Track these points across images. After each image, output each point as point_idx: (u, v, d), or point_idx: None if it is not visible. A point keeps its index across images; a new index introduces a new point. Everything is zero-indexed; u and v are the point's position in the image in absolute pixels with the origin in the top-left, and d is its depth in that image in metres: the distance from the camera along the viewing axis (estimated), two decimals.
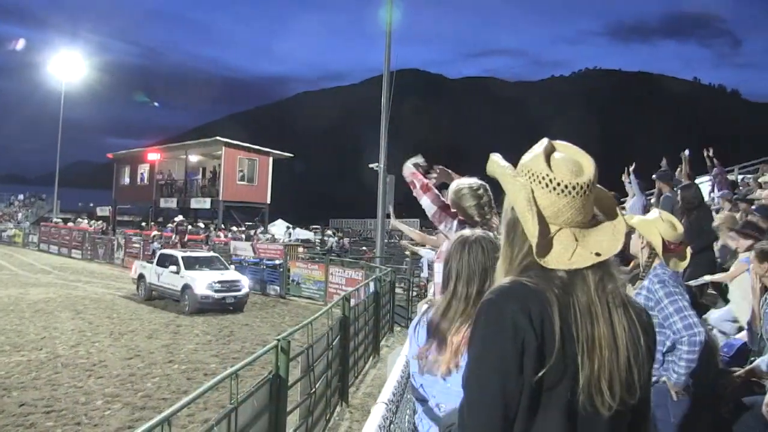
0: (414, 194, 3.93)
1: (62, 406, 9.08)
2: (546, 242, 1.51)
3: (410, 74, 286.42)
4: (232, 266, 21.51)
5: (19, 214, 51.89)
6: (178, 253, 19.76)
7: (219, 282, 18.02)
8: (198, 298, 17.51)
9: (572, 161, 1.56)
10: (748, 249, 6.33)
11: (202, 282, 17.76)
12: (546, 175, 1.52)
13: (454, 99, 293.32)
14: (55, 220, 44.62)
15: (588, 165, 1.56)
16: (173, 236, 29.10)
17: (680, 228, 3.91)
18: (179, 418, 8.02)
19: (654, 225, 3.90)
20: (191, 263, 19.02)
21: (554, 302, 1.44)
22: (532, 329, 1.40)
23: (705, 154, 13.67)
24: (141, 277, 20.28)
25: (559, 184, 1.50)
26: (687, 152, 11.07)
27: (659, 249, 3.83)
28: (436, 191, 3.83)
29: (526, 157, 1.59)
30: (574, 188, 1.50)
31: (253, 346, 13.34)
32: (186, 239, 29.18)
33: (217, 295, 17.71)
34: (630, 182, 10.86)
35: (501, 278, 1.56)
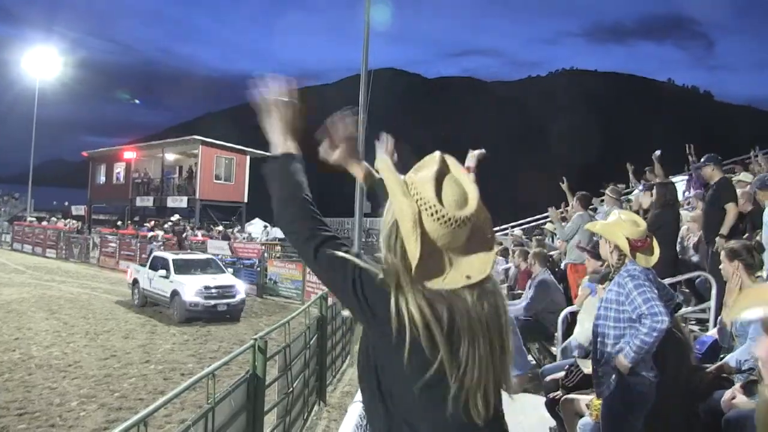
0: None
1: (36, 408, 8.97)
2: (424, 264, 1.60)
3: (388, 73, 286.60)
4: (230, 269, 20.06)
5: None
6: (169, 256, 18.36)
7: (209, 288, 16.38)
8: (186, 305, 15.94)
9: (459, 192, 1.65)
10: (593, 272, 6.47)
11: (191, 287, 16.16)
12: (433, 206, 1.60)
13: (432, 98, 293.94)
14: (29, 219, 44.02)
15: (473, 197, 1.66)
16: (172, 237, 27.80)
17: (643, 224, 3.99)
18: (156, 419, 7.97)
19: (617, 227, 3.98)
20: (182, 267, 17.47)
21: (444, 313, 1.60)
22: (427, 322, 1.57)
23: (687, 151, 13.81)
24: (135, 282, 18.80)
25: (443, 216, 1.60)
26: (658, 153, 11.22)
27: (627, 250, 3.90)
28: None
29: (418, 176, 1.68)
30: (456, 221, 1.61)
31: (230, 345, 13.28)
32: (186, 240, 27.95)
33: (207, 302, 16.09)
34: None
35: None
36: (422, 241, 1.60)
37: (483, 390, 1.59)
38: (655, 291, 3.81)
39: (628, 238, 3.88)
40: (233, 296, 16.76)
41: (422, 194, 1.62)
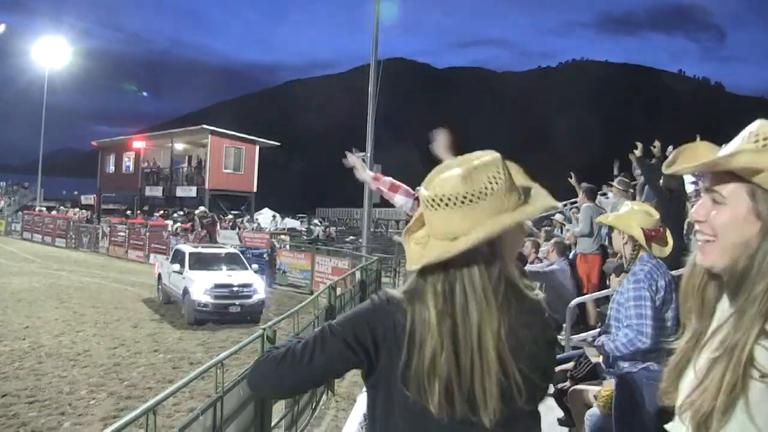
0: (386, 198, 3.93)
1: (46, 396, 9.03)
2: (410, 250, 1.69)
3: (396, 63, 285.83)
4: (255, 265, 18.27)
5: (2, 202, 51.34)
6: (187, 248, 16.94)
7: (221, 286, 14.83)
8: (195, 305, 14.42)
9: (444, 178, 1.62)
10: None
11: (200, 285, 14.62)
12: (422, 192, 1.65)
13: (441, 89, 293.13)
14: (38, 208, 44.24)
15: (454, 183, 1.58)
16: (199, 229, 25.24)
17: (656, 214, 3.96)
18: (165, 407, 8.01)
19: (630, 218, 3.93)
20: (199, 261, 16.00)
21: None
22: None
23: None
24: (160, 277, 17.68)
25: (430, 200, 1.61)
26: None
27: (642, 240, 3.86)
28: (404, 186, 3.81)
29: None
30: (433, 201, 1.60)
31: (239, 334, 13.32)
32: (217, 233, 25.64)
33: (217, 302, 14.53)
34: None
35: None
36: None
37: (444, 387, 1.58)
38: (652, 307, 3.78)
39: (642, 228, 3.85)
40: (249, 296, 15.07)
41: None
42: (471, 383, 1.55)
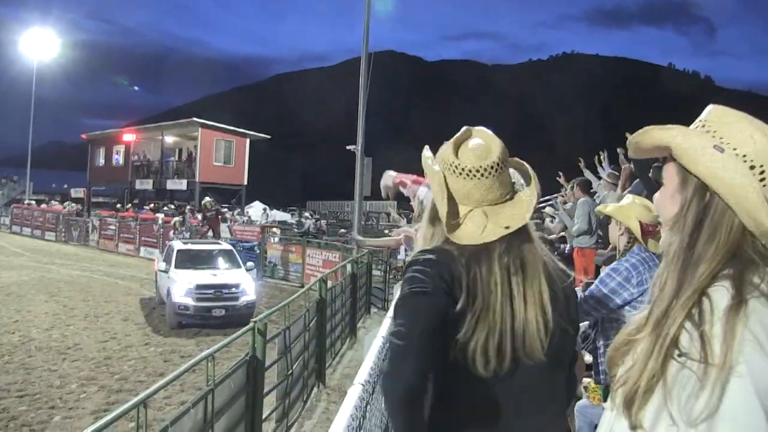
0: (407, 194, 3.99)
1: (36, 390, 9.00)
2: (455, 222, 1.73)
3: (387, 56, 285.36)
4: (250, 262, 16.87)
5: None
6: (176, 245, 15.76)
7: (203, 287, 13.51)
8: (175, 307, 13.23)
9: (481, 147, 1.76)
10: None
11: (181, 286, 13.38)
12: (452, 162, 1.75)
13: (432, 82, 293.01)
14: (27, 201, 43.98)
15: (495, 148, 1.75)
16: (201, 223, 24.06)
17: (655, 210, 3.94)
18: (156, 401, 8.00)
19: (630, 210, 3.93)
20: (187, 259, 14.78)
21: (461, 271, 1.67)
22: (450, 286, 1.64)
23: None
24: (157, 274, 16.14)
25: (464, 170, 1.73)
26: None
27: (638, 233, 3.86)
28: (422, 178, 3.84)
29: (442, 148, 1.82)
30: (478, 171, 1.72)
31: (231, 329, 13.33)
32: (219, 225, 24.04)
33: (199, 305, 13.24)
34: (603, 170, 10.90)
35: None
36: (450, 201, 1.74)
37: (498, 341, 1.64)
38: (606, 295, 3.81)
39: (640, 222, 3.85)
40: (235, 298, 13.72)
41: (444, 158, 1.78)
42: (523, 335, 1.67)
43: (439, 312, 1.60)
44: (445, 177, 1.76)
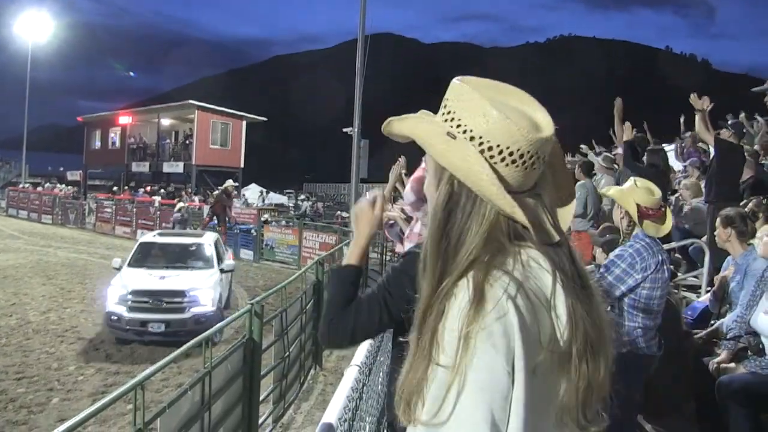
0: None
1: (34, 373, 9.05)
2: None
3: (384, 39, 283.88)
4: (231, 260, 14.06)
5: None
6: (147, 237, 13.91)
7: (141, 293, 10.90)
8: (107, 317, 10.85)
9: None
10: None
11: (115, 291, 11.00)
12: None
13: (429, 64, 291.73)
14: (23, 184, 43.82)
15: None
16: (211, 209, 22.64)
17: (658, 193, 3.95)
18: (153, 383, 8.04)
19: (630, 194, 3.93)
20: (149, 254, 12.60)
21: None
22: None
23: (682, 119, 13.88)
24: None
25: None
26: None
27: (635, 216, 3.87)
28: None
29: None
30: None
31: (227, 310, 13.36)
32: (230, 215, 22.59)
33: (131, 316, 10.57)
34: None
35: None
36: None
37: None
38: (611, 282, 3.84)
39: (638, 205, 3.86)
40: (180, 310, 10.85)
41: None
42: None
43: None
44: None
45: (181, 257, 12.64)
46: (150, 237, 13.78)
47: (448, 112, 1.19)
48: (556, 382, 1.11)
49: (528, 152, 1.14)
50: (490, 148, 1.14)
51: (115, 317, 10.65)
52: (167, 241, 13.32)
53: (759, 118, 12.95)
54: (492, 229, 1.14)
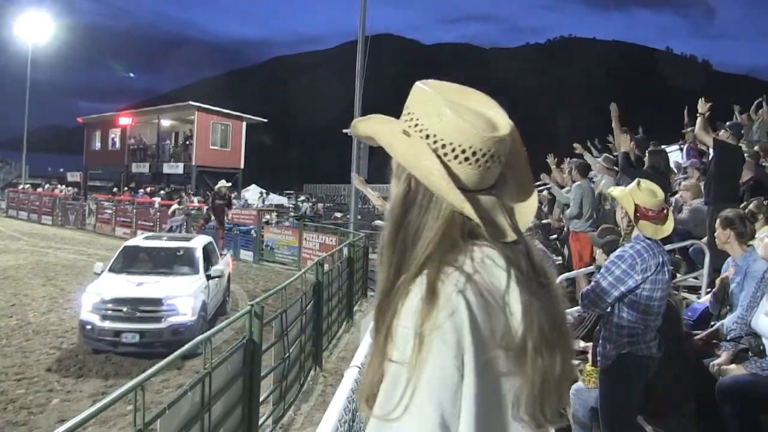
0: None
1: (34, 374, 9.05)
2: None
3: (384, 39, 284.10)
4: (221, 266, 12.64)
5: None
6: (133, 241, 13.12)
7: (113, 300, 10.16)
8: (80, 326, 10.23)
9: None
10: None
11: (89, 298, 10.28)
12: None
13: (429, 65, 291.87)
14: (22, 186, 43.83)
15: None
16: (208, 210, 21.95)
17: (660, 195, 3.94)
18: (153, 384, 8.05)
19: (630, 195, 3.93)
20: (131, 259, 11.87)
21: None
22: None
23: (686, 119, 13.91)
24: None
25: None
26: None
27: (632, 216, 3.88)
28: None
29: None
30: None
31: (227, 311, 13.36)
32: (226, 217, 22.07)
33: (103, 325, 9.92)
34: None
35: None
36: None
37: None
38: (613, 283, 3.85)
39: (637, 205, 3.86)
40: (156, 319, 10.15)
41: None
42: None
43: None
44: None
45: (166, 262, 11.90)
46: (135, 240, 13.09)
47: (408, 113, 1.23)
48: (511, 377, 1.13)
49: (481, 150, 1.17)
50: (444, 146, 1.17)
51: (89, 326, 10.00)
52: (152, 245, 12.57)
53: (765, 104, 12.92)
54: (447, 226, 1.17)
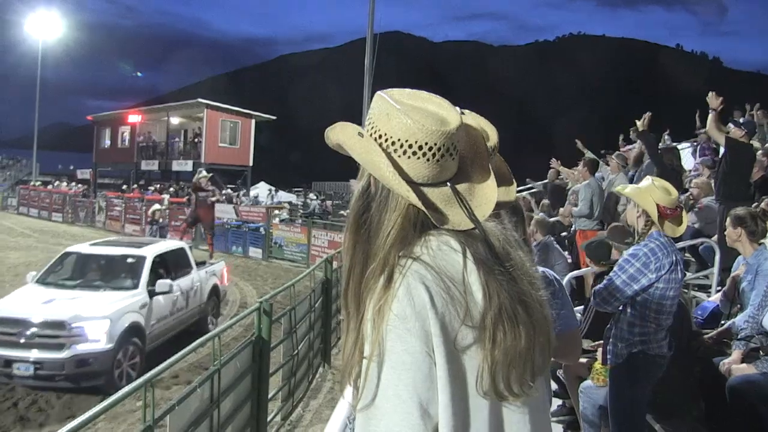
0: None
1: None
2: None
3: (393, 37, 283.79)
4: (195, 273, 11.55)
5: None
6: (76, 248, 11.15)
7: (5, 322, 8.30)
8: None
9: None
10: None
11: None
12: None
13: (438, 63, 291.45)
14: (33, 183, 44.08)
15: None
16: (190, 210, 18.53)
17: (675, 193, 3.89)
18: (163, 380, 8.09)
19: (648, 192, 3.86)
20: (67, 268, 10.45)
21: None
22: None
23: (697, 117, 13.87)
24: None
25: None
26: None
27: (654, 216, 3.80)
28: None
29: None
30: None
31: (236, 308, 13.40)
32: (212, 216, 18.60)
33: None
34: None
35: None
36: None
37: None
38: (626, 282, 3.82)
39: (657, 204, 3.82)
40: (57, 347, 8.13)
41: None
42: None
43: None
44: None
45: (103, 274, 10.18)
46: (77, 247, 11.24)
47: (368, 119, 1.33)
48: (477, 354, 1.19)
49: (427, 144, 1.25)
50: (393, 144, 1.26)
51: None
52: (95, 251, 10.75)
53: None
54: (404, 218, 1.26)
